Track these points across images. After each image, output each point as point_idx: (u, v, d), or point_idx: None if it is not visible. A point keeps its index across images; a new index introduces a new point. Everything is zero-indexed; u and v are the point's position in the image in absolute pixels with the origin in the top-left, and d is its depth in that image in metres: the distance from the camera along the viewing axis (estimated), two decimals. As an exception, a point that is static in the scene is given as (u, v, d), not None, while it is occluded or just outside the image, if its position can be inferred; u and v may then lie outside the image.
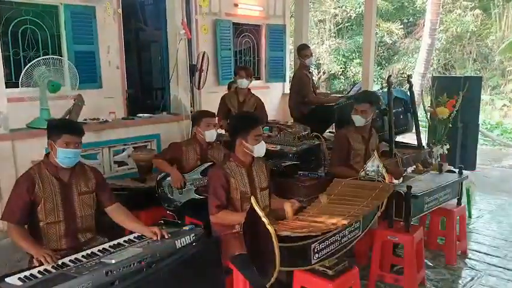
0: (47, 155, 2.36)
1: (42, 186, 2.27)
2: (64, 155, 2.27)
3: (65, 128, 2.31)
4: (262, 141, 2.63)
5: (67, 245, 2.31)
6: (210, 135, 3.28)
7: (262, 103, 4.57)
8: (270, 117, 4.95)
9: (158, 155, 3.56)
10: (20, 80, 3.53)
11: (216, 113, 3.43)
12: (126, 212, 2.47)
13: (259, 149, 2.60)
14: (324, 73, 14.17)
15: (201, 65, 4.94)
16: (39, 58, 3.61)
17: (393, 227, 2.95)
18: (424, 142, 4.71)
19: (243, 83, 4.37)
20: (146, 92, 7.02)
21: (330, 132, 5.00)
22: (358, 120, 3.32)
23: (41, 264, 1.98)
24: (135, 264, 1.98)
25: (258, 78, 6.66)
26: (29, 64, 3.56)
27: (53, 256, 2.02)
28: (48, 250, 2.09)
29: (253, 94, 4.55)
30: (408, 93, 4.53)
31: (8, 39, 4.39)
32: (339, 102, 4.57)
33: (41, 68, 3.58)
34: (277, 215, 2.53)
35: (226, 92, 5.02)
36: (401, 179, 3.32)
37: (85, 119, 4.01)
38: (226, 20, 6.22)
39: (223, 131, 4.06)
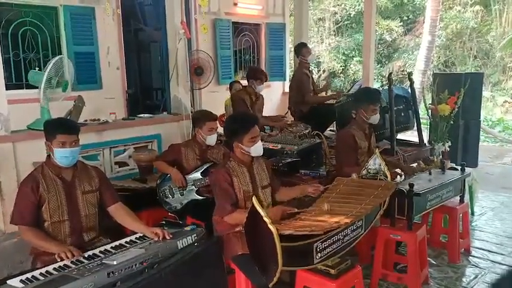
0: (48, 156, 2.36)
1: (46, 185, 2.28)
2: (61, 155, 2.27)
3: (58, 128, 2.30)
4: (259, 141, 2.59)
5: (72, 244, 2.30)
6: (211, 139, 3.27)
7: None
8: (271, 116, 4.95)
9: (159, 157, 3.56)
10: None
11: (217, 116, 3.41)
12: (128, 212, 2.46)
13: (256, 149, 2.58)
14: (324, 71, 14.15)
15: (197, 64, 4.93)
16: (49, 63, 3.56)
17: (396, 225, 2.94)
18: (426, 139, 4.69)
19: (262, 89, 4.50)
20: (146, 92, 7.03)
21: (330, 130, 4.99)
22: (376, 118, 3.33)
23: (62, 260, 2.02)
24: (137, 265, 1.98)
25: (258, 77, 6.66)
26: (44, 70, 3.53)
27: (75, 250, 2.06)
28: (70, 246, 2.11)
29: (259, 94, 4.61)
30: (409, 90, 4.52)
31: (8, 42, 4.39)
32: (339, 101, 4.56)
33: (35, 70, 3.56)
34: (302, 201, 2.46)
35: (228, 91, 5.02)
36: (403, 176, 3.30)
37: (86, 120, 4.00)
38: (225, 19, 6.22)
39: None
